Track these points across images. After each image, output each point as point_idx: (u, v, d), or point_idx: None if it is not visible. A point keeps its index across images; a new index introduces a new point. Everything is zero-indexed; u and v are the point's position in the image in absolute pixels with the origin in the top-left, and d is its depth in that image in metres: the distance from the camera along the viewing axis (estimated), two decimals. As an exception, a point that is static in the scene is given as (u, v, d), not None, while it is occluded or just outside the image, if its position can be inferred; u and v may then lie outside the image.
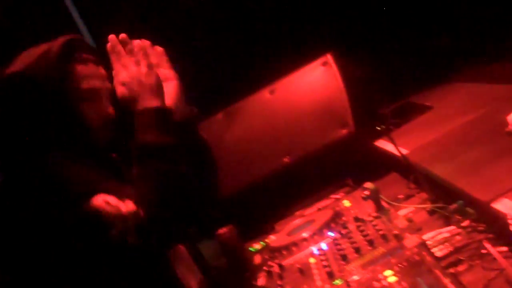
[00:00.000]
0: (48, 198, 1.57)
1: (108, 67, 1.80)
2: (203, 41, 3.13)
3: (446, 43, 3.10)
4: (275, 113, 2.83)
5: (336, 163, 2.70)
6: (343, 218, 2.04)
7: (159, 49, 1.86)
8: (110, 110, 1.79)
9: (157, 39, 1.84)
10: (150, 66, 1.74)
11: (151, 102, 1.69)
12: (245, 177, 2.73)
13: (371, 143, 2.54)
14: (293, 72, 2.87)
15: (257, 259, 2.14)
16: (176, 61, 1.85)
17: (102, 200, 1.50)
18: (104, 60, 1.80)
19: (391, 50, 2.93)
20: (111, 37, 1.76)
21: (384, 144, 2.43)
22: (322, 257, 1.79)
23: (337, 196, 2.46)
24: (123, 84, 1.73)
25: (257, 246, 2.29)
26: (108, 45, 1.76)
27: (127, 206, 1.49)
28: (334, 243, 1.85)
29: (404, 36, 3.11)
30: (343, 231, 1.89)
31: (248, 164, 2.77)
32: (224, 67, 3.08)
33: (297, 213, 2.56)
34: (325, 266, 1.71)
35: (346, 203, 2.19)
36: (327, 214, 2.11)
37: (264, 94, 2.89)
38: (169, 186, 1.60)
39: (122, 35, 1.76)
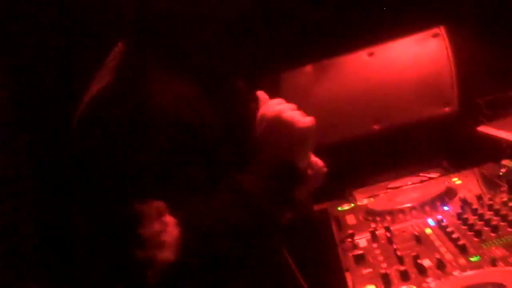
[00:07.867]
0: None
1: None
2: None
3: None
4: (371, 77, 2.66)
5: (430, 141, 2.55)
6: (459, 195, 1.87)
7: None
8: None
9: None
10: None
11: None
12: (329, 136, 2.56)
13: (472, 127, 2.38)
14: (398, 39, 2.69)
15: (351, 219, 1.99)
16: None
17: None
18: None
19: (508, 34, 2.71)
20: None
21: (489, 130, 2.28)
22: (448, 229, 1.62)
23: (431, 175, 2.31)
24: None
25: (346, 206, 2.14)
26: None
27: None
28: (459, 217, 1.68)
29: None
30: (467, 208, 1.73)
31: (334, 124, 2.59)
32: (321, 20, 2.87)
33: (381, 184, 2.41)
34: (455, 239, 1.55)
35: (456, 180, 2.03)
36: (439, 187, 1.95)
37: (362, 55, 2.71)
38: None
39: None
